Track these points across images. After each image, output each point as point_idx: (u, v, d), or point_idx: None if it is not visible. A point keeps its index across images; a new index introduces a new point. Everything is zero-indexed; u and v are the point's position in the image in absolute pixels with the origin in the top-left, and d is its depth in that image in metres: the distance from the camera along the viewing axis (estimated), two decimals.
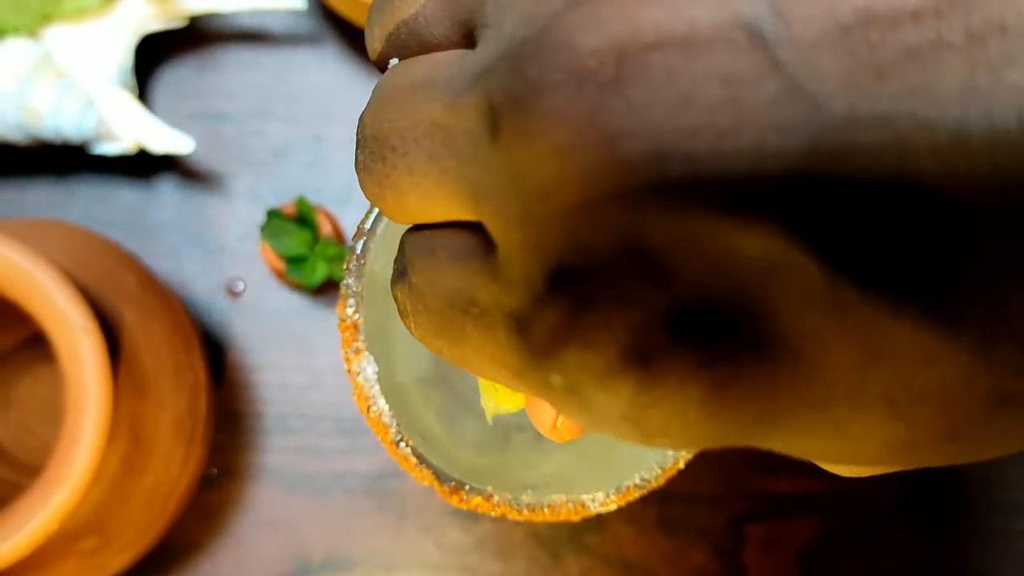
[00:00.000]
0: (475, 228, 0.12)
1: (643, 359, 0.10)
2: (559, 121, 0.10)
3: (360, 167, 0.14)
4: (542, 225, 0.10)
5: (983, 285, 0.09)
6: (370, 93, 0.46)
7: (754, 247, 0.09)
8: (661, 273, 0.10)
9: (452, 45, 0.13)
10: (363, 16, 0.41)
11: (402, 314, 0.14)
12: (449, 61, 0.12)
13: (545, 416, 0.16)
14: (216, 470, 0.42)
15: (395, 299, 0.14)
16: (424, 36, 0.13)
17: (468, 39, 0.13)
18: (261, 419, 0.43)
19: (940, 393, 0.10)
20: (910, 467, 0.12)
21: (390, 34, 0.14)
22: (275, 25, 0.45)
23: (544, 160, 0.10)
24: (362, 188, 0.14)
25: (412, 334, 0.14)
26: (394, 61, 0.14)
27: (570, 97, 0.10)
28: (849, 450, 0.11)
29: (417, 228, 0.14)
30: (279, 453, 0.43)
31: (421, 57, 0.13)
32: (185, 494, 0.38)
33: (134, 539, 0.36)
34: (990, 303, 0.09)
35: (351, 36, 0.45)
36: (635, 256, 0.10)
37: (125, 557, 0.36)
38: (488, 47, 0.11)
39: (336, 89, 0.45)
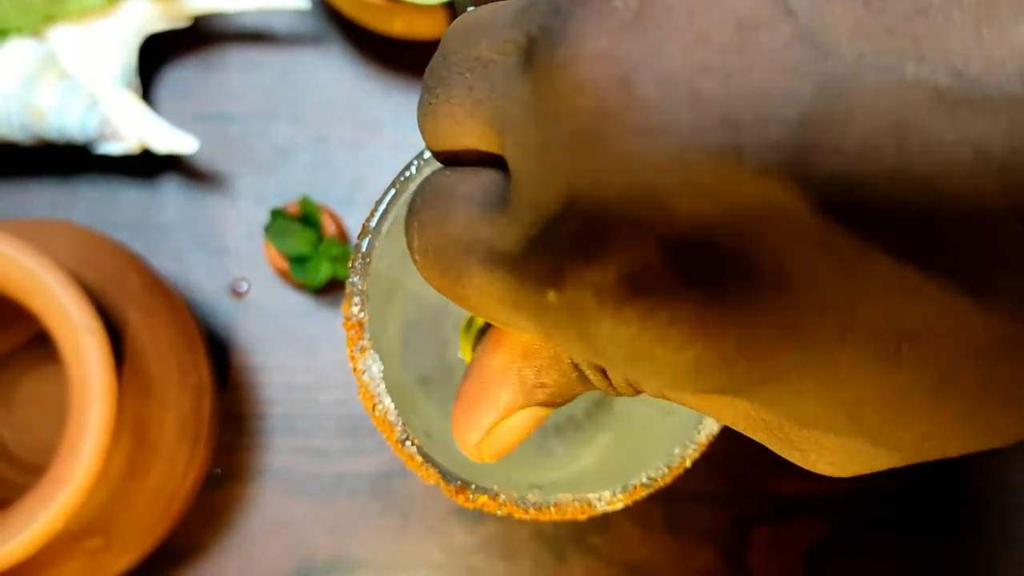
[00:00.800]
0: (495, 167, 0.13)
1: (638, 278, 0.11)
2: (580, 55, 0.10)
3: (418, 103, 0.15)
4: (555, 153, 0.11)
5: (975, 228, 0.09)
6: (373, 92, 0.46)
7: (752, 185, 0.10)
8: (663, 202, 0.10)
9: None
10: (367, 16, 0.41)
11: (411, 254, 0.15)
12: (503, 5, 0.13)
13: (472, 433, 0.16)
14: (220, 471, 0.42)
15: (406, 234, 0.15)
16: None
17: None
18: (265, 420, 0.43)
19: (928, 333, 0.10)
20: (901, 441, 0.12)
21: None
22: (279, 25, 0.45)
23: (563, 92, 0.11)
24: (418, 126, 0.15)
25: (419, 270, 0.15)
26: (471, 8, 0.15)
27: (593, 32, 0.10)
28: (836, 395, 0.11)
29: (441, 169, 0.15)
30: (283, 454, 0.43)
31: (484, 5, 0.14)
32: (189, 495, 0.37)
33: (138, 540, 0.36)
34: (981, 245, 0.09)
35: (355, 36, 0.45)
36: (639, 188, 0.10)
37: (129, 558, 0.36)
38: None
39: (340, 89, 0.45)
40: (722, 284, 0.10)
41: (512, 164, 0.12)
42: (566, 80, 0.11)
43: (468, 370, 0.17)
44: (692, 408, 0.14)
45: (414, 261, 0.15)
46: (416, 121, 0.15)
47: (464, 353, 0.18)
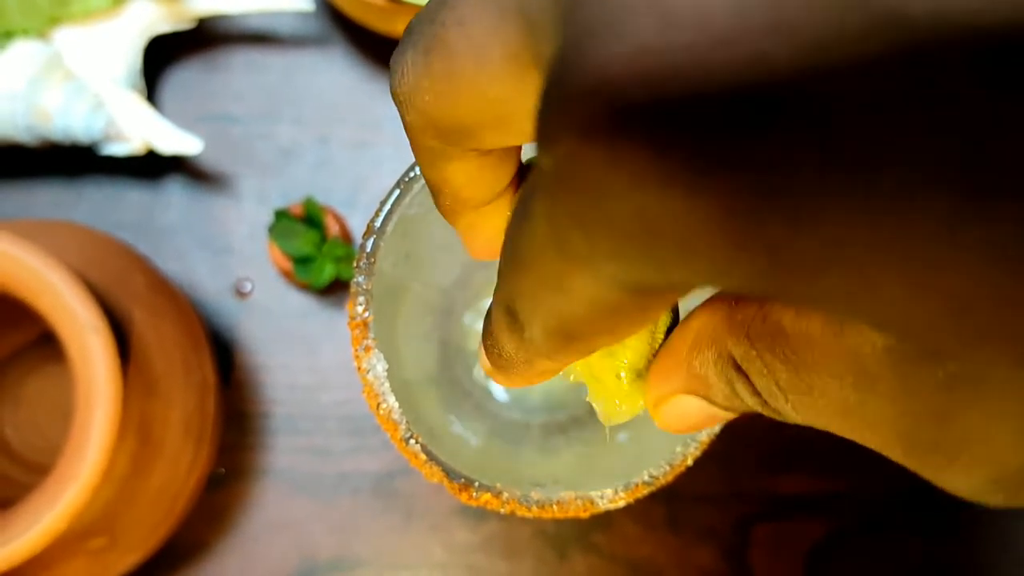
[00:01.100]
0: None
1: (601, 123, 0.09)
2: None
3: (397, 53, 0.13)
4: (591, 36, 0.09)
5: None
6: (376, 93, 0.46)
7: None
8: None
9: None
10: (369, 17, 0.41)
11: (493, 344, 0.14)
12: None
13: (651, 396, 0.16)
14: (224, 470, 0.42)
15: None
16: None
17: None
18: (269, 419, 0.43)
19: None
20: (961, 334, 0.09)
21: None
22: (283, 27, 0.46)
23: None
24: (395, 77, 0.13)
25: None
26: None
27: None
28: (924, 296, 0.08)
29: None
30: (286, 453, 0.43)
31: None
32: (193, 494, 0.38)
33: (142, 539, 0.36)
34: None
35: (358, 37, 0.45)
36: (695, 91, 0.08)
37: (133, 557, 0.36)
38: None
39: (343, 90, 0.45)
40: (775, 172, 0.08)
41: (547, 51, 0.10)
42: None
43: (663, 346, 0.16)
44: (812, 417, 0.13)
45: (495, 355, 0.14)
46: (398, 95, 0.13)
47: (604, 405, 0.17)
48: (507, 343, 0.14)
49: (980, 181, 0.07)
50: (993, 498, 0.12)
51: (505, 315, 0.14)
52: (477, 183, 0.15)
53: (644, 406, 0.17)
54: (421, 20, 0.12)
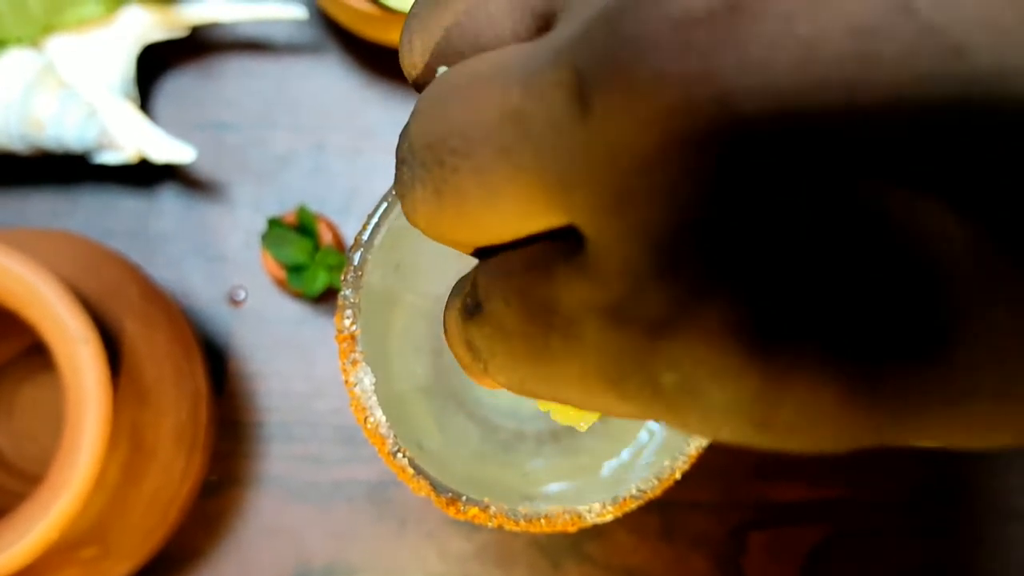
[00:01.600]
0: (556, 236, 0.11)
1: (770, 346, 0.09)
2: (663, 80, 0.08)
3: (404, 185, 0.12)
4: (646, 203, 0.09)
5: None
6: (370, 101, 0.46)
7: (899, 214, 0.08)
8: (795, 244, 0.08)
9: (523, 40, 0.11)
10: (363, 25, 0.41)
11: (475, 357, 0.12)
12: (521, 48, 0.11)
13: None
14: (216, 478, 0.42)
15: (464, 345, 0.13)
16: (485, 35, 0.12)
17: (543, 31, 0.11)
18: (262, 427, 0.43)
19: None
20: None
21: (438, 43, 0.12)
22: (276, 34, 0.46)
23: (647, 127, 0.09)
24: (408, 211, 0.12)
25: (493, 377, 0.12)
26: (442, 69, 0.12)
27: (675, 52, 0.08)
28: (981, 440, 0.09)
29: (485, 254, 0.12)
30: (280, 461, 0.43)
31: (484, 54, 0.11)
32: (186, 502, 0.38)
33: (135, 548, 0.36)
34: None
35: (352, 45, 0.45)
36: (751, 233, 0.08)
37: (126, 566, 0.36)
38: (571, 20, 0.10)
39: (337, 98, 0.45)
40: (890, 360, 0.08)
41: (587, 227, 0.10)
42: (648, 113, 0.09)
43: None
44: None
45: (480, 373, 0.13)
46: (425, 222, 0.12)
47: (552, 409, 0.17)
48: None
49: None
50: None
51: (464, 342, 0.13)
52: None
53: (585, 420, 0.17)
54: (422, 160, 0.12)
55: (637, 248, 0.09)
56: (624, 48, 0.09)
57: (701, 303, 0.09)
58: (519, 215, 0.11)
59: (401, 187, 0.12)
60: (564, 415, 0.17)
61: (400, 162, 0.12)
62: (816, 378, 0.09)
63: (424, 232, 0.13)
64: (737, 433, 0.10)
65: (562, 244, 0.11)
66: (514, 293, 0.11)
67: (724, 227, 0.09)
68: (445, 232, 0.12)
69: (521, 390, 0.12)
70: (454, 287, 0.13)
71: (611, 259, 0.10)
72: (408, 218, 0.12)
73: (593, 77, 0.09)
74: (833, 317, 0.08)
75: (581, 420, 0.17)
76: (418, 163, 0.12)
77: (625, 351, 0.10)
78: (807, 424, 0.09)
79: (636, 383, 0.10)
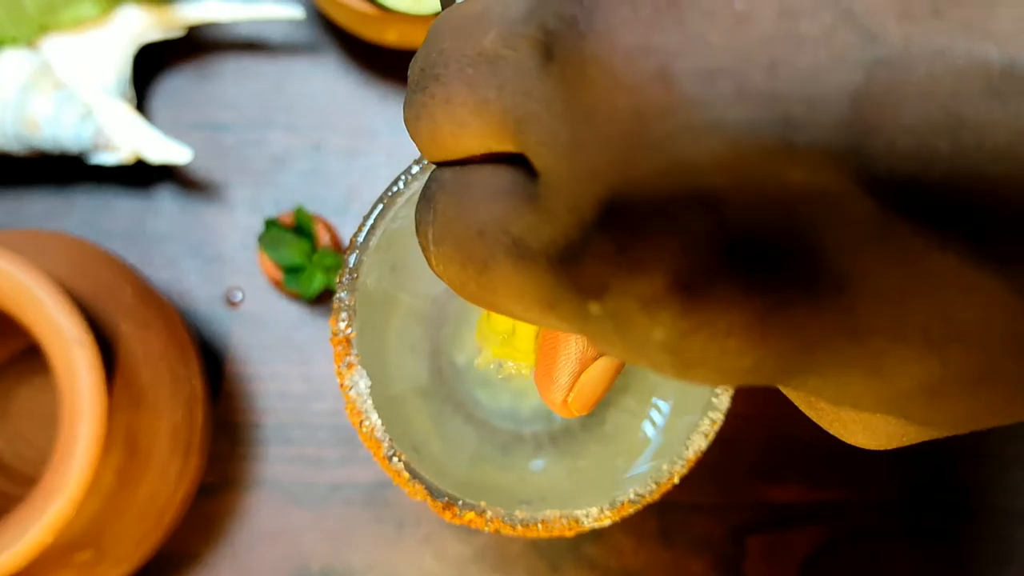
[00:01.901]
0: (511, 162, 0.12)
1: (690, 285, 0.10)
2: (612, 45, 0.10)
3: (405, 103, 0.14)
4: (591, 154, 0.10)
5: None
6: (368, 101, 0.46)
7: (805, 179, 0.09)
8: (713, 203, 0.10)
9: None
10: (361, 25, 0.41)
11: (423, 245, 0.14)
12: None
13: (556, 392, 0.16)
14: (212, 479, 0.42)
15: (416, 227, 0.14)
16: None
17: None
18: (259, 429, 0.43)
19: (978, 330, 0.10)
20: (938, 424, 0.11)
21: None
22: (274, 34, 0.45)
23: (596, 88, 0.10)
24: (407, 129, 0.14)
25: (432, 267, 0.14)
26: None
27: (624, 20, 0.10)
28: (881, 388, 0.11)
29: (448, 164, 0.14)
30: (278, 463, 0.42)
31: None
32: (182, 505, 0.37)
33: (130, 551, 0.36)
34: None
35: (350, 45, 0.45)
36: (687, 186, 0.10)
37: (121, 569, 0.36)
38: None
39: (335, 98, 0.45)
40: (781, 287, 0.10)
41: (539, 163, 0.11)
42: (598, 76, 0.10)
43: (540, 334, 0.16)
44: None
45: (425, 250, 0.14)
46: (413, 134, 0.14)
47: (487, 344, 0.17)
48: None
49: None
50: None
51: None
52: None
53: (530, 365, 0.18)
54: (417, 81, 0.13)
55: (584, 193, 0.10)
56: (581, 12, 0.10)
57: (636, 248, 0.10)
58: (480, 142, 0.12)
59: (404, 107, 0.14)
60: (511, 355, 0.17)
61: (408, 83, 0.14)
62: (727, 307, 0.10)
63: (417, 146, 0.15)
64: (655, 361, 0.11)
65: (517, 173, 0.12)
66: (468, 206, 0.13)
67: (658, 183, 0.10)
68: (419, 145, 0.14)
69: (462, 292, 0.13)
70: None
71: (559, 198, 0.11)
72: (410, 135, 0.14)
73: (555, 32, 0.11)
74: (746, 268, 0.10)
75: (527, 365, 0.17)
76: (413, 85, 0.13)
77: (563, 282, 0.11)
78: (716, 351, 0.11)
79: (569, 308, 0.12)
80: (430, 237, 0.14)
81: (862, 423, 0.13)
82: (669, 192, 0.10)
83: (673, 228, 0.10)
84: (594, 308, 0.11)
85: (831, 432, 0.14)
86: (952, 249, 0.09)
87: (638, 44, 0.10)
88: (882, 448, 0.13)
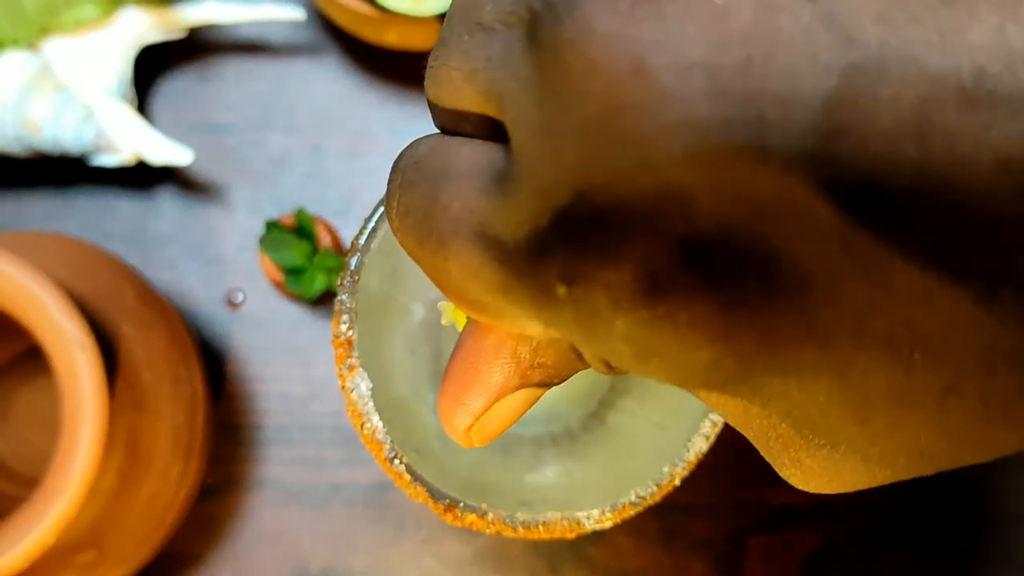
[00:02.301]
0: (497, 136, 0.13)
1: (654, 277, 0.10)
2: (589, 32, 0.10)
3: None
4: (563, 139, 0.10)
5: (991, 235, 0.09)
6: (368, 103, 0.46)
7: (771, 182, 0.09)
8: (680, 199, 0.10)
9: None
10: (361, 27, 0.41)
11: (388, 212, 0.14)
12: None
13: (463, 417, 0.15)
14: (213, 481, 0.42)
15: (387, 188, 0.14)
16: None
17: None
18: (260, 430, 0.43)
19: (940, 340, 0.10)
20: (907, 449, 0.11)
21: None
22: (274, 36, 0.45)
23: (571, 74, 0.10)
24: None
25: (393, 230, 0.14)
26: None
27: (603, 8, 0.10)
28: (847, 395, 0.11)
29: (439, 134, 0.14)
30: (278, 464, 0.43)
31: None
32: (183, 506, 0.37)
33: (131, 552, 0.36)
34: (997, 254, 0.09)
35: (350, 47, 0.45)
36: (656, 184, 0.10)
37: (122, 570, 0.36)
38: None
39: (335, 100, 0.45)
40: (742, 285, 0.10)
41: (514, 141, 0.11)
42: (574, 61, 0.10)
43: (456, 349, 0.16)
44: (694, 395, 0.14)
45: (390, 219, 0.14)
46: (426, 91, 0.14)
47: (456, 319, 0.17)
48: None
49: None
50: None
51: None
52: None
53: None
54: (435, 50, 0.13)
55: (551, 177, 0.11)
56: (565, 2, 0.10)
57: (601, 236, 0.10)
58: (472, 106, 0.13)
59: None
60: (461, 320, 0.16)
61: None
62: (688, 300, 0.10)
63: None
64: (616, 351, 0.11)
65: (495, 151, 0.12)
66: (438, 179, 0.13)
67: (624, 176, 0.10)
68: (429, 96, 0.14)
69: (414, 255, 0.13)
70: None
71: (528, 179, 0.11)
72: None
73: (540, 15, 0.11)
74: (710, 264, 0.10)
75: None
76: (436, 44, 0.14)
77: (522, 264, 0.11)
78: (676, 343, 0.11)
79: (526, 293, 0.12)
80: (394, 205, 0.14)
81: (825, 467, 0.13)
82: (638, 185, 0.10)
83: (640, 221, 0.10)
84: (560, 291, 0.11)
85: (786, 478, 0.14)
86: (915, 258, 0.09)
87: (614, 33, 0.10)
88: (842, 491, 0.13)
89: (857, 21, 0.09)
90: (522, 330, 0.14)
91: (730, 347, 0.10)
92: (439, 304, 0.17)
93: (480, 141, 0.13)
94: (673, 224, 0.10)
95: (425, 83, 0.14)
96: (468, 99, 0.13)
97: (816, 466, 0.13)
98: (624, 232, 0.10)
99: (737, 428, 0.14)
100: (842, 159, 0.09)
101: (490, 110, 0.12)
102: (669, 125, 0.09)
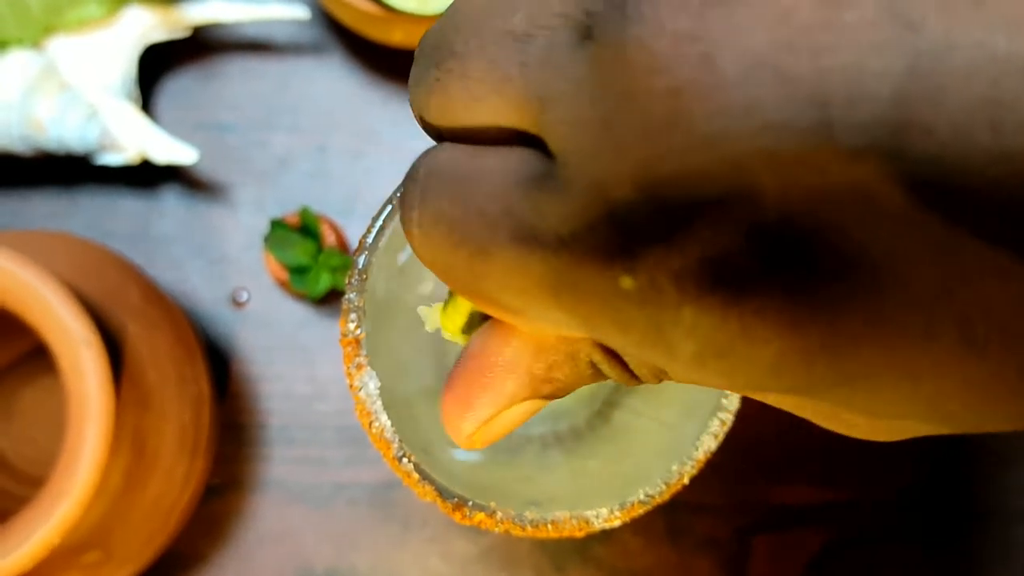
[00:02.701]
0: (520, 143, 0.12)
1: (722, 266, 0.10)
2: (658, 32, 0.10)
3: (411, 80, 0.14)
4: (624, 133, 0.10)
5: None
6: (373, 102, 0.46)
7: (843, 168, 0.09)
8: (749, 189, 0.10)
9: None
10: (366, 26, 0.41)
11: (406, 226, 0.14)
12: None
13: (469, 422, 0.15)
14: (218, 480, 0.42)
15: (400, 208, 0.14)
16: None
17: None
18: (265, 430, 0.43)
19: (1016, 319, 0.10)
20: (974, 425, 0.11)
21: None
22: (279, 35, 0.45)
23: (636, 70, 0.10)
24: (411, 103, 0.14)
25: (414, 249, 0.13)
26: None
27: (673, 8, 0.10)
28: (917, 390, 0.11)
29: (452, 139, 0.14)
30: (283, 464, 0.42)
31: None
32: (188, 506, 0.37)
33: (137, 552, 0.36)
34: None
35: (355, 46, 0.45)
36: (723, 171, 0.10)
37: (128, 570, 0.36)
38: None
39: (340, 98, 0.45)
40: (812, 273, 0.10)
41: (559, 144, 0.11)
42: (639, 58, 0.10)
43: (465, 357, 0.15)
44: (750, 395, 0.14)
45: (408, 233, 0.14)
46: (418, 107, 0.14)
47: (448, 330, 0.17)
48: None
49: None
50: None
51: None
52: None
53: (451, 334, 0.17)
54: (429, 57, 0.13)
55: (610, 169, 0.10)
56: (632, 4, 0.10)
57: (668, 231, 0.10)
58: (492, 116, 0.12)
59: (410, 81, 0.14)
60: (447, 325, 0.16)
61: (415, 60, 0.14)
62: (757, 292, 0.10)
63: (418, 120, 0.14)
64: (678, 349, 0.11)
65: (526, 154, 0.12)
66: (467, 183, 0.12)
67: (693, 170, 0.10)
68: (432, 112, 0.13)
69: (446, 277, 0.13)
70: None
71: (581, 175, 0.11)
72: (412, 108, 0.14)
73: (602, 20, 0.11)
74: (779, 256, 0.10)
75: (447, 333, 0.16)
76: (423, 60, 0.13)
77: (577, 260, 0.11)
78: (743, 338, 0.10)
79: (578, 293, 0.12)
80: (415, 219, 0.13)
81: (888, 430, 0.13)
82: (707, 172, 0.10)
83: (708, 210, 0.10)
84: (626, 281, 0.11)
85: (828, 428, 0.14)
86: (987, 239, 0.09)
87: (684, 31, 0.10)
88: (888, 440, 0.13)
89: (920, 11, 0.09)
90: (557, 332, 0.13)
91: (796, 341, 0.10)
92: (419, 309, 0.17)
93: (506, 147, 0.12)
94: (742, 212, 0.10)
95: (424, 99, 0.13)
96: (492, 109, 0.12)
97: (875, 430, 0.13)
98: (692, 220, 0.10)
99: (777, 406, 0.14)
100: (913, 147, 0.09)
101: (523, 120, 0.12)
102: (737, 116, 0.09)
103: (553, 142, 0.11)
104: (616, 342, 0.13)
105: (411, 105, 0.14)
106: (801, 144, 0.09)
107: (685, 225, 0.10)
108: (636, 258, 0.11)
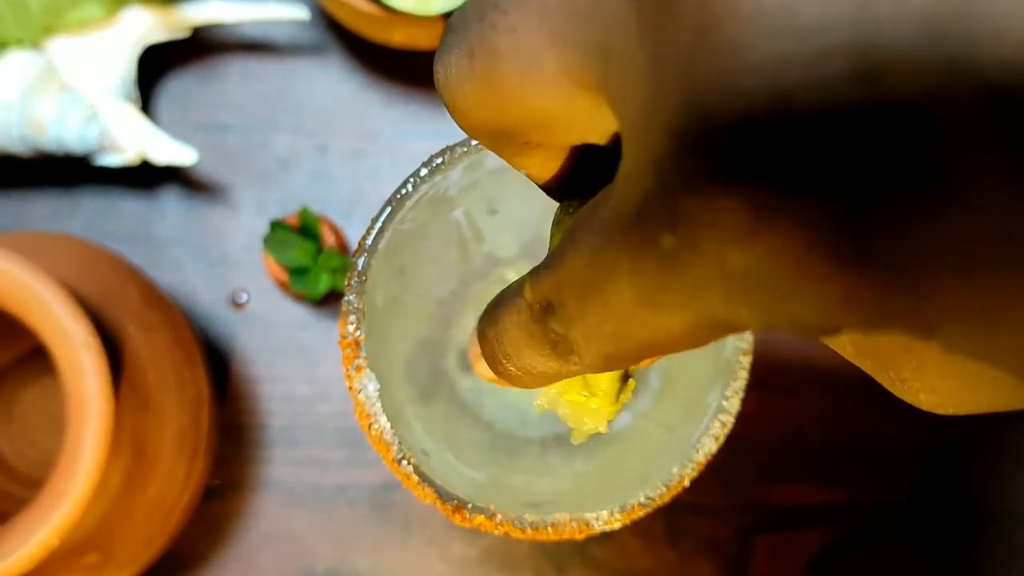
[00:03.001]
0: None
1: (779, 186, 0.09)
2: None
3: (444, 53, 0.13)
4: (690, 77, 0.10)
5: None
6: (373, 103, 0.46)
7: (907, 80, 0.09)
8: (790, 104, 0.09)
9: None
10: (366, 27, 0.41)
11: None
12: None
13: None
14: (219, 482, 0.42)
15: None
16: None
17: None
18: (265, 431, 0.43)
19: None
20: None
21: None
22: (279, 36, 0.45)
23: (705, 16, 0.09)
24: (440, 83, 0.13)
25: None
26: None
27: None
28: (993, 332, 0.10)
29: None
30: (283, 465, 0.42)
31: None
32: (188, 508, 0.37)
33: (136, 554, 0.36)
34: None
35: (355, 46, 0.45)
36: (771, 94, 0.09)
37: (127, 571, 0.36)
38: None
39: (340, 99, 0.45)
40: (879, 196, 0.09)
41: (620, 90, 0.11)
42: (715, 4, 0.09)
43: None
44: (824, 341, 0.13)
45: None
46: (443, 95, 0.13)
47: (552, 407, 0.17)
48: (537, 362, 0.14)
49: None
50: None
51: (546, 339, 0.14)
52: (539, 166, 0.15)
53: (608, 418, 0.17)
54: (467, 18, 0.12)
55: (676, 114, 0.10)
56: None
57: (710, 178, 0.10)
58: (551, 85, 0.11)
59: (441, 57, 0.13)
60: (578, 431, 0.16)
61: (448, 30, 0.13)
62: (811, 207, 0.09)
63: (450, 110, 0.13)
64: (726, 287, 0.10)
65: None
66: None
67: (743, 99, 0.09)
68: (471, 104, 0.12)
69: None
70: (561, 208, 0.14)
71: (650, 119, 0.10)
72: (440, 92, 0.13)
73: None
74: (839, 173, 0.09)
75: (592, 431, 0.16)
76: (461, 21, 0.12)
77: (636, 240, 0.11)
78: (799, 275, 0.10)
79: (636, 235, 0.11)
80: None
81: (947, 388, 0.12)
82: (753, 98, 0.09)
83: (756, 138, 0.09)
84: (667, 240, 0.10)
85: (895, 392, 0.13)
86: None
87: None
88: (954, 413, 0.12)
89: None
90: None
91: (864, 270, 0.09)
92: (536, 403, 0.17)
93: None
94: (794, 136, 0.09)
95: (465, 65, 0.12)
96: (548, 62, 0.12)
97: (938, 390, 0.12)
98: (733, 153, 0.10)
99: (840, 352, 0.13)
100: (982, 52, 0.08)
101: (582, 70, 0.11)
102: (780, 33, 0.09)
103: (613, 91, 0.11)
104: (686, 301, 0.12)
105: (443, 79, 0.13)
106: (852, 59, 0.09)
107: (730, 162, 0.10)
108: (677, 209, 0.10)
